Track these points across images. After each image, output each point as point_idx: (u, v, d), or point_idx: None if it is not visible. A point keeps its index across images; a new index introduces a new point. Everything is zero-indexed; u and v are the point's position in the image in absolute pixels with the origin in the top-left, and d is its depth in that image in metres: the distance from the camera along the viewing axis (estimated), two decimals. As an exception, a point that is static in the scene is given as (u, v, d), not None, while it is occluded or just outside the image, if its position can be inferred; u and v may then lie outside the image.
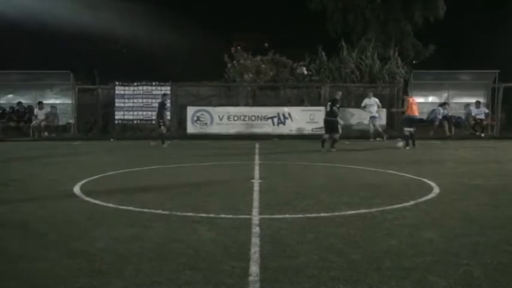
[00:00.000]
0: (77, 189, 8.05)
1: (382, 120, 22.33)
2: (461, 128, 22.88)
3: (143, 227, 5.59)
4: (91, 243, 4.91)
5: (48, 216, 6.16)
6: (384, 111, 22.56)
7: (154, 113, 22.31)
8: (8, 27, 27.84)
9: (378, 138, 20.45)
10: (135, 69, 28.87)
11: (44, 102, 22.69)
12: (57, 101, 23.37)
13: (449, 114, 22.03)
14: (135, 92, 22.63)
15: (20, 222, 5.87)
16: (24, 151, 16.07)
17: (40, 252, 4.62)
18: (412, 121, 16.71)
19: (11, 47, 30.13)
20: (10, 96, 23.77)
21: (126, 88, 22.67)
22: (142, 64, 31.41)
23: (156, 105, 19.91)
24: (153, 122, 19.82)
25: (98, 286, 3.83)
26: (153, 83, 22.80)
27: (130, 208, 6.55)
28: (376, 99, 21.39)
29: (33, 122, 22.18)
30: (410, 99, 17.19)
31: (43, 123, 22.22)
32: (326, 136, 15.84)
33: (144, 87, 22.71)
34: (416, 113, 17.02)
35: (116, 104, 22.53)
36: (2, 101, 23.48)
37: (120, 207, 6.63)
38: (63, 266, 4.24)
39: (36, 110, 22.42)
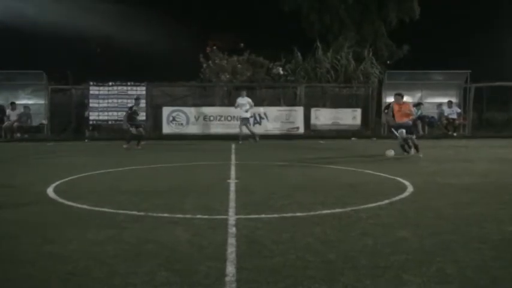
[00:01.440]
0: (50, 190, 7.94)
1: (356, 120, 22.53)
2: (434, 127, 23.25)
3: (118, 228, 5.54)
4: (65, 246, 4.84)
5: (21, 219, 6.05)
6: (358, 111, 22.78)
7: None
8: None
9: (250, 139, 19.26)
10: (110, 69, 28.59)
11: (17, 102, 22.33)
12: (30, 102, 23.04)
13: (423, 113, 22.35)
14: (109, 92, 22.41)
15: (-9, 225, 5.77)
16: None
17: (13, 256, 4.54)
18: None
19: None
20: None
21: (101, 88, 22.44)
22: (118, 64, 31.12)
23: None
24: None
25: (73, 287, 3.79)
26: (128, 83, 22.61)
27: (105, 209, 6.49)
28: (249, 99, 19.71)
29: (5, 123, 21.80)
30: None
31: (15, 124, 21.87)
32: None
33: (119, 88, 22.51)
34: None
35: (90, 105, 22.28)
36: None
37: (95, 208, 6.56)
38: (37, 269, 4.17)
39: (8, 111, 22.05)
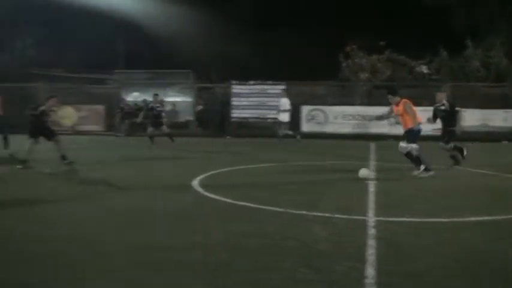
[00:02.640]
0: (195, 183, 8.38)
1: (508, 122, 20.87)
2: None
3: (259, 223, 5.72)
4: (210, 236, 5.11)
5: (169, 209, 6.49)
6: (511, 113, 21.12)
7: (269, 112, 22.82)
8: (131, 30, 29.85)
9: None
10: (248, 68, 29.42)
11: (165, 100, 23.94)
12: (177, 99, 24.56)
13: None
14: (250, 91, 23.18)
15: (141, 215, 6.22)
16: (147, 146, 17.00)
17: (162, 243, 4.89)
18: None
19: (135, 49, 32.05)
20: (135, 94, 25.36)
21: (242, 87, 23.29)
22: (257, 63, 31.90)
23: (272, 104, 20.30)
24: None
25: (218, 278, 3.97)
26: (268, 82, 23.20)
27: (246, 204, 6.72)
28: (286, 100, 18.33)
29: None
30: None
31: (164, 120, 23.44)
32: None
33: (259, 86, 23.19)
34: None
35: (233, 102, 23.21)
36: (128, 99, 25.05)
37: (237, 202, 6.81)
38: (185, 258, 4.46)
39: (158, 108, 23.71)
